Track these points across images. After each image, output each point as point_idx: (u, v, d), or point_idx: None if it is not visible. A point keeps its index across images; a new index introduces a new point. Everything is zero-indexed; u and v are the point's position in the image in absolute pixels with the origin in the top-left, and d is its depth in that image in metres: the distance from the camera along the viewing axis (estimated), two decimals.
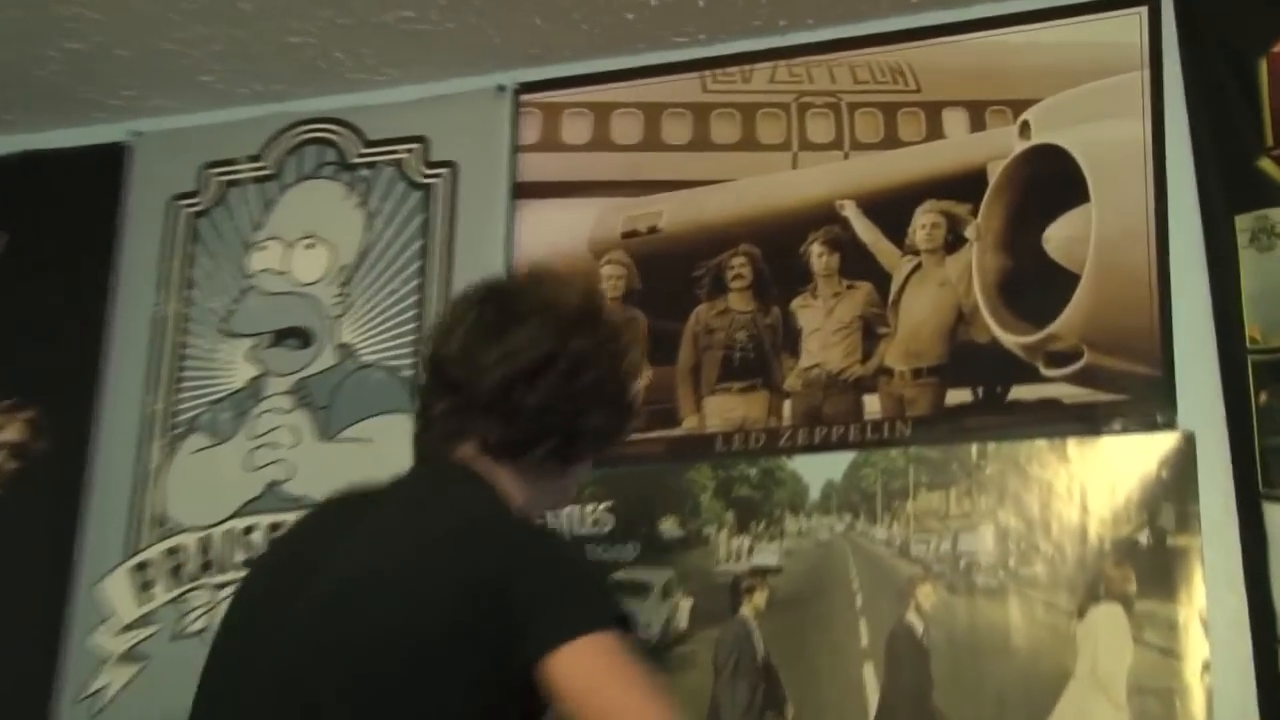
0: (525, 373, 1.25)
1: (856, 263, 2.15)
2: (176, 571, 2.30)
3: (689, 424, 2.17)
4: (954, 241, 2.11)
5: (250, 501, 2.31)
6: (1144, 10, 2.07)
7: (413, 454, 1.34)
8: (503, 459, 1.28)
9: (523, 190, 2.34)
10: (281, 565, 1.30)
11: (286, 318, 2.37)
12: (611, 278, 2.23)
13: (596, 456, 1.35)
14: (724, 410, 2.15)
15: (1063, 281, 2.00)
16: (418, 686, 1.12)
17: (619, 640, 1.11)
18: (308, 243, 2.40)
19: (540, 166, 2.31)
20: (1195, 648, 1.85)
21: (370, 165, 2.37)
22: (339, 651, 1.14)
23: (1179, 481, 1.90)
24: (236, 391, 2.38)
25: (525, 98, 2.37)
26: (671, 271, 2.23)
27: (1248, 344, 1.89)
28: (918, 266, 2.14)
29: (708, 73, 2.29)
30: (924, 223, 2.14)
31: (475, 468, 1.28)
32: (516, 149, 2.35)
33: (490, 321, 1.28)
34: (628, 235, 2.22)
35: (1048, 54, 2.10)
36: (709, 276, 2.21)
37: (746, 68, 2.29)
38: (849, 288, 2.15)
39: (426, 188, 2.34)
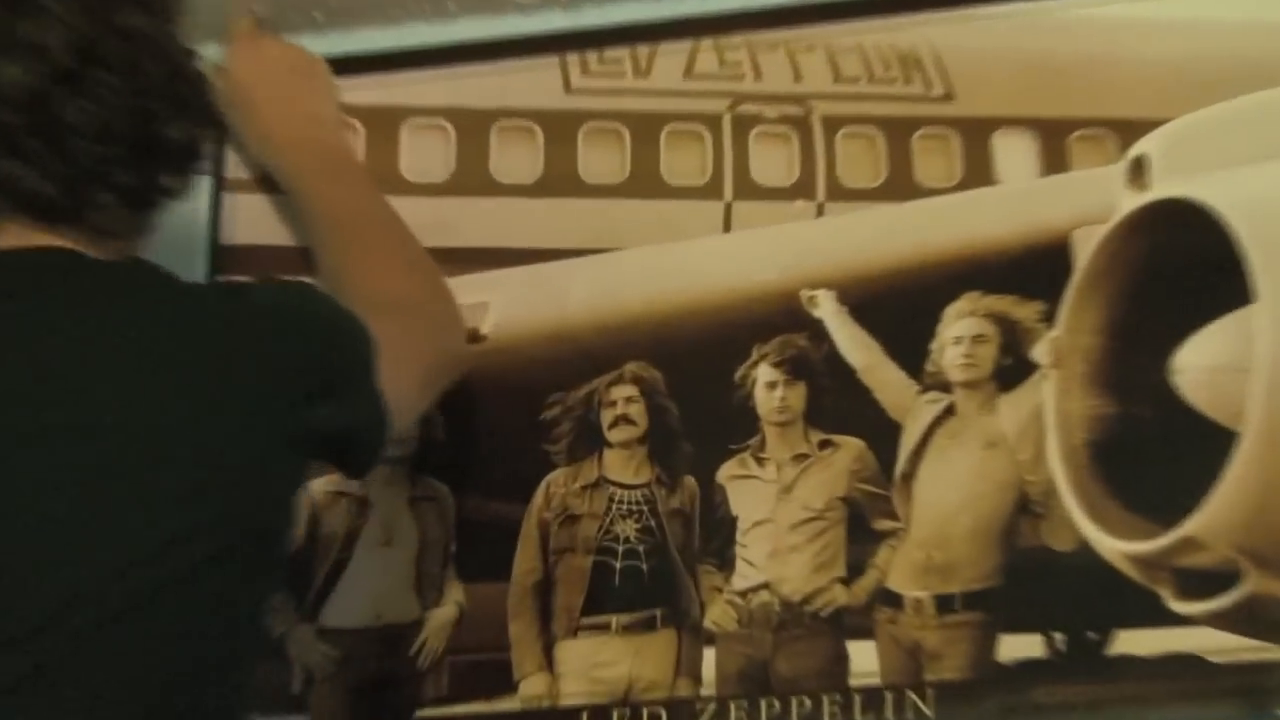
0: (58, 75, 1.26)
1: (835, 402, 1.80)
2: None
3: (531, 688, 1.77)
4: (1012, 369, 1.78)
5: None
6: None
7: None
8: (55, 223, 1.29)
9: (227, 258, 1.91)
10: None
11: None
12: None
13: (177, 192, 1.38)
14: (594, 665, 1.77)
15: (1207, 445, 1.70)
16: None
17: None
18: None
19: (258, 221, 1.84)
20: None
21: None
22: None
23: None
24: None
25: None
26: (503, 410, 1.86)
27: None
28: (948, 412, 1.78)
29: (573, 57, 1.90)
30: (959, 334, 1.77)
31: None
32: (218, 187, 1.89)
33: None
34: None
35: (1180, 43, 1.84)
36: (571, 421, 1.83)
37: (642, 49, 1.92)
38: (823, 446, 1.79)
39: None
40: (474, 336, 1.84)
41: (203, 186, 1.87)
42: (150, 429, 1.21)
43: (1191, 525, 1.69)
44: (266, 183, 1.76)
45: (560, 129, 1.89)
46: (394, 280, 1.49)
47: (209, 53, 1.93)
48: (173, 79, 1.35)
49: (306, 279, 1.53)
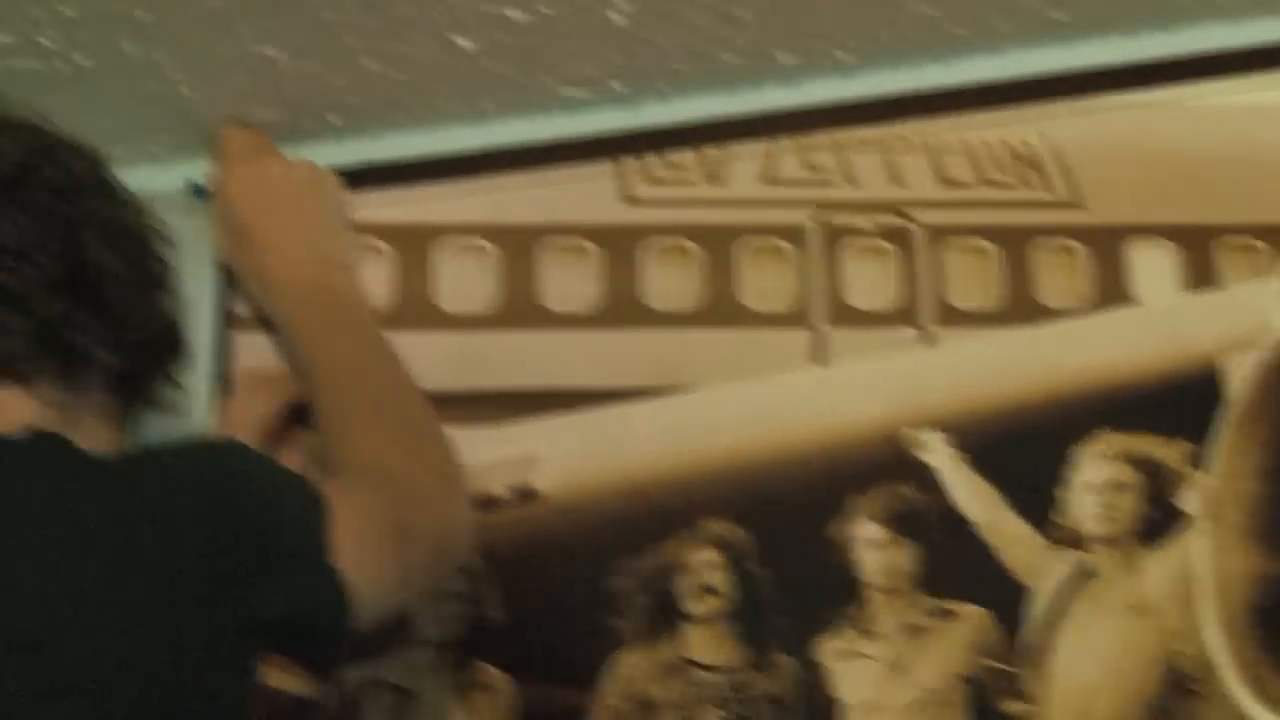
0: None
1: (950, 561, 1.77)
2: None
3: None
4: (1160, 521, 1.74)
5: None
6: None
7: None
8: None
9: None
10: None
11: None
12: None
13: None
14: None
15: None
16: None
17: None
18: None
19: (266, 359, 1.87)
20: None
21: None
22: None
23: None
24: None
25: None
26: (564, 580, 1.86)
27: None
28: (1084, 573, 1.75)
29: (633, 162, 1.90)
30: (1093, 480, 1.75)
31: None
32: (224, 321, 1.94)
33: None
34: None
35: None
36: (643, 592, 1.81)
37: (713, 151, 1.91)
38: (938, 615, 1.76)
39: None
40: (525, 493, 1.82)
41: (204, 320, 1.90)
42: (54, 633, 1.21)
43: None
44: (266, 323, 1.76)
45: (619, 247, 1.87)
46: (374, 442, 1.48)
47: (197, 171, 1.93)
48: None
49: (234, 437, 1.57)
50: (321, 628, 1.34)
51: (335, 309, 1.64)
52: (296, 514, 1.33)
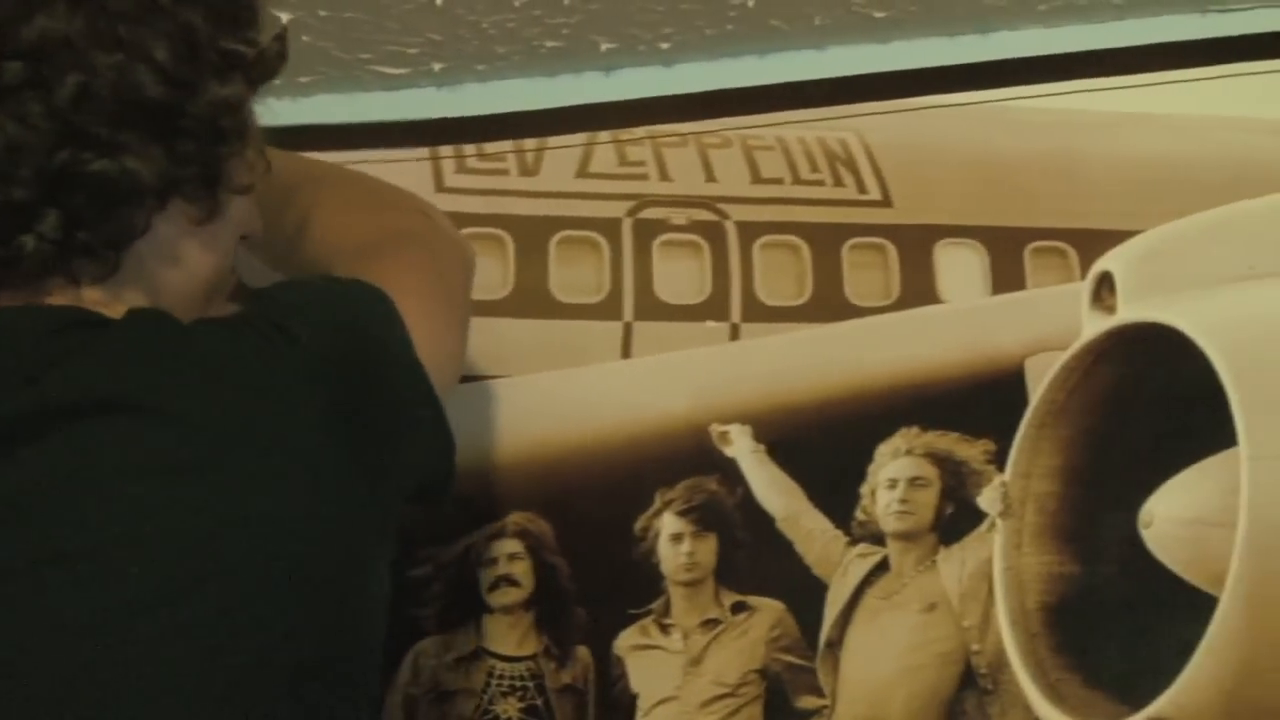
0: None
1: (751, 557, 1.81)
2: None
3: None
4: (956, 518, 1.80)
5: None
6: None
7: None
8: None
9: None
10: None
11: None
12: None
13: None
14: None
15: (1180, 610, 1.72)
16: None
17: None
18: None
19: None
20: None
21: None
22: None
23: None
24: None
25: None
26: None
27: None
28: (881, 568, 1.80)
29: (448, 150, 1.94)
30: (894, 476, 1.81)
31: None
32: None
33: None
34: None
35: (1151, 141, 1.86)
36: (443, 581, 1.84)
37: (529, 141, 1.95)
38: (737, 610, 1.80)
39: None
40: None
41: None
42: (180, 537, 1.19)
43: (1162, 704, 1.68)
44: None
45: None
46: (361, 219, 1.48)
47: None
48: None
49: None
50: (444, 470, 1.35)
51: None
52: (402, 352, 1.30)
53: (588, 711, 1.81)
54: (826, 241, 1.85)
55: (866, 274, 1.84)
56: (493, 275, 1.88)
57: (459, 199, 1.88)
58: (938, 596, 1.77)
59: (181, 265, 1.33)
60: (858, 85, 1.87)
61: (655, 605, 1.79)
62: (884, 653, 1.77)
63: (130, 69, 1.25)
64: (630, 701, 1.79)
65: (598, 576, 1.81)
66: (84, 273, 1.28)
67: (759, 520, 1.79)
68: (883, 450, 1.78)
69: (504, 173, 1.92)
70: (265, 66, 1.34)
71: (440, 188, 1.89)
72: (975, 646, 1.75)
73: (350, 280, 1.35)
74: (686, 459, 1.82)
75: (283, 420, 1.23)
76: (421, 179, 1.89)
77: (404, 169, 1.88)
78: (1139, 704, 1.69)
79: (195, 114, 1.28)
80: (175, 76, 1.27)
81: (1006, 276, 1.82)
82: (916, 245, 1.85)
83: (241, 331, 1.26)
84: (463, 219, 1.87)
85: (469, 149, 1.91)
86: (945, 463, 1.78)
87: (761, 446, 1.79)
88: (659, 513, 1.80)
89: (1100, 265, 1.78)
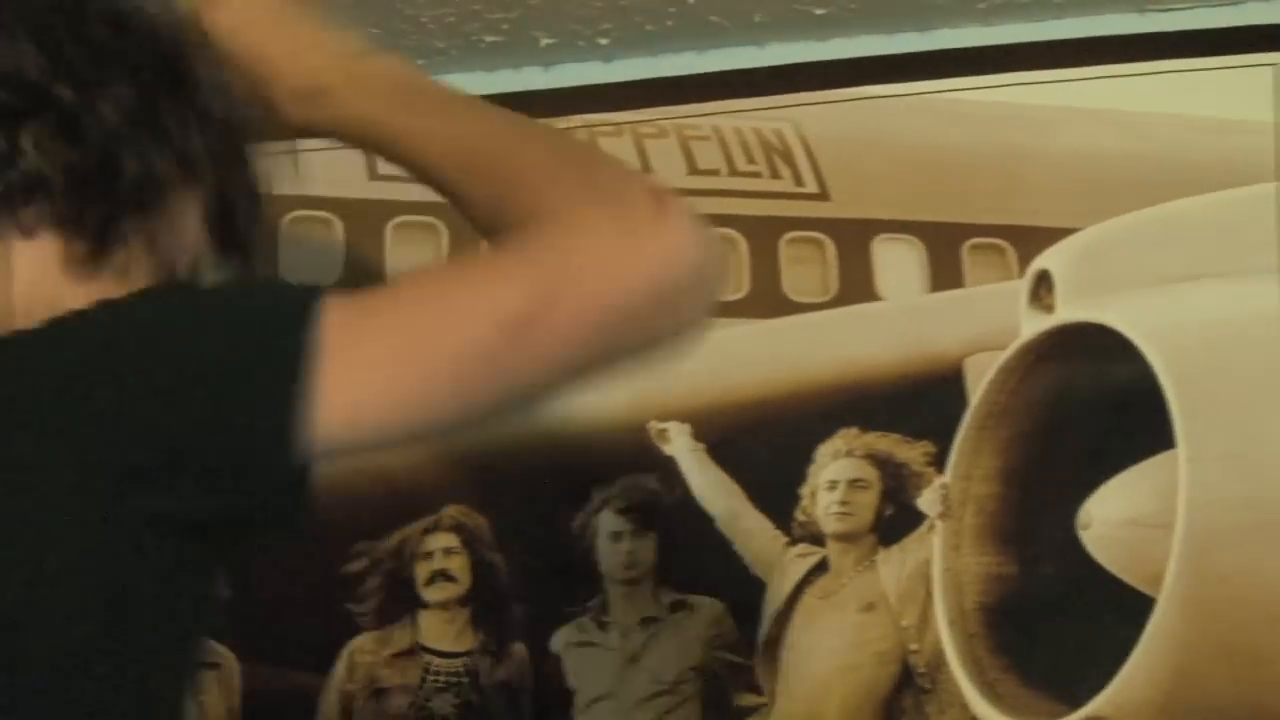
0: None
1: (690, 556, 1.82)
2: None
3: None
4: (895, 520, 1.80)
5: None
6: None
7: None
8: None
9: None
10: None
11: None
12: None
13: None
14: None
15: (1117, 611, 1.74)
16: None
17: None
18: None
19: None
20: None
21: None
22: None
23: None
24: None
25: None
26: (298, 561, 1.86)
27: None
28: (820, 568, 1.81)
29: None
30: (833, 477, 1.81)
31: None
32: None
33: None
34: None
35: (1093, 136, 1.83)
36: (379, 576, 1.85)
37: None
38: (675, 608, 1.82)
39: None
40: None
41: None
42: None
43: (1099, 704, 1.69)
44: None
45: (364, 222, 1.87)
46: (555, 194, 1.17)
47: None
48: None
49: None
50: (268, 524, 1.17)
51: (401, 88, 1.33)
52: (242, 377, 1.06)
53: (523, 708, 1.81)
54: (764, 235, 1.84)
55: (804, 269, 1.84)
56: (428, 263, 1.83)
57: (391, 187, 1.84)
58: (876, 596, 1.78)
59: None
60: (795, 74, 1.85)
61: (593, 603, 1.80)
62: (822, 651, 1.78)
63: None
64: (567, 698, 1.80)
65: (535, 573, 1.82)
66: None
67: (697, 519, 1.78)
68: (823, 451, 1.78)
69: None
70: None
71: (373, 175, 1.85)
72: (913, 646, 1.76)
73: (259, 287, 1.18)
74: (625, 457, 1.82)
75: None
76: (354, 167, 1.80)
77: (336, 155, 1.83)
78: (1076, 703, 1.70)
79: None
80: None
81: (945, 273, 1.81)
82: (854, 240, 1.85)
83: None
84: (395, 207, 1.86)
85: None
86: (886, 465, 1.79)
87: (701, 445, 1.79)
88: (597, 510, 1.80)
89: (1039, 263, 1.78)
